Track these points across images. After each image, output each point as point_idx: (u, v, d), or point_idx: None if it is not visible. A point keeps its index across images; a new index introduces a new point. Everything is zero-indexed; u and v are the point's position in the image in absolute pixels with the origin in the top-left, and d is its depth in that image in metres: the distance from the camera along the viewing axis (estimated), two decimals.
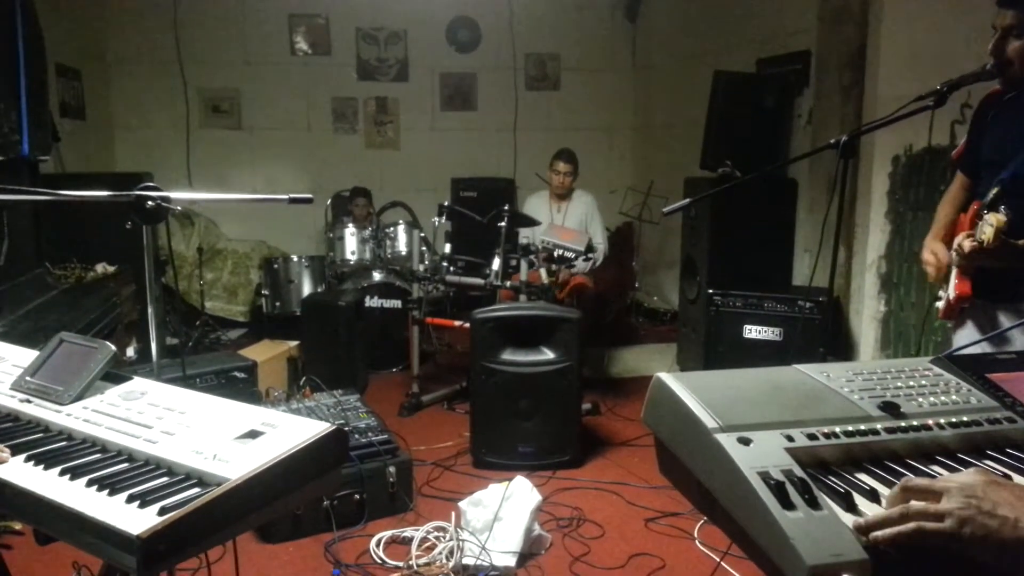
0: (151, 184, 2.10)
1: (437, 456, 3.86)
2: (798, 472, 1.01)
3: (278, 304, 5.85)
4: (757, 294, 4.44)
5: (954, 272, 2.28)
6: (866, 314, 4.42)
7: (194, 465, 1.28)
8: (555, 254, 4.57)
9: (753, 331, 4.44)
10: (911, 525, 0.90)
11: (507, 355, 3.75)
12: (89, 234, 4.46)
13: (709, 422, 1.10)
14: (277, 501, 1.27)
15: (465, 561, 2.80)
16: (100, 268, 4.39)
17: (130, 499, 1.20)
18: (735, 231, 4.69)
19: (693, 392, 1.16)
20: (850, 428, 1.14)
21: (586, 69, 7.60)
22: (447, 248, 4.98)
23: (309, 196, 2.35)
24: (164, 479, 1.27)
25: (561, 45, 7.52)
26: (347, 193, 6.42)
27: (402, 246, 5.57)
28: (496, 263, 4.49)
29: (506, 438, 3.72)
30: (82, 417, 1.50)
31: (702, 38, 6.41)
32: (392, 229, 5.59)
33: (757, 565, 1.01)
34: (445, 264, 4.75)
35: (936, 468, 1.12)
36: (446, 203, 4.86)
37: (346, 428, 2.80)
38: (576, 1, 7.44)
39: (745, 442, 1.06)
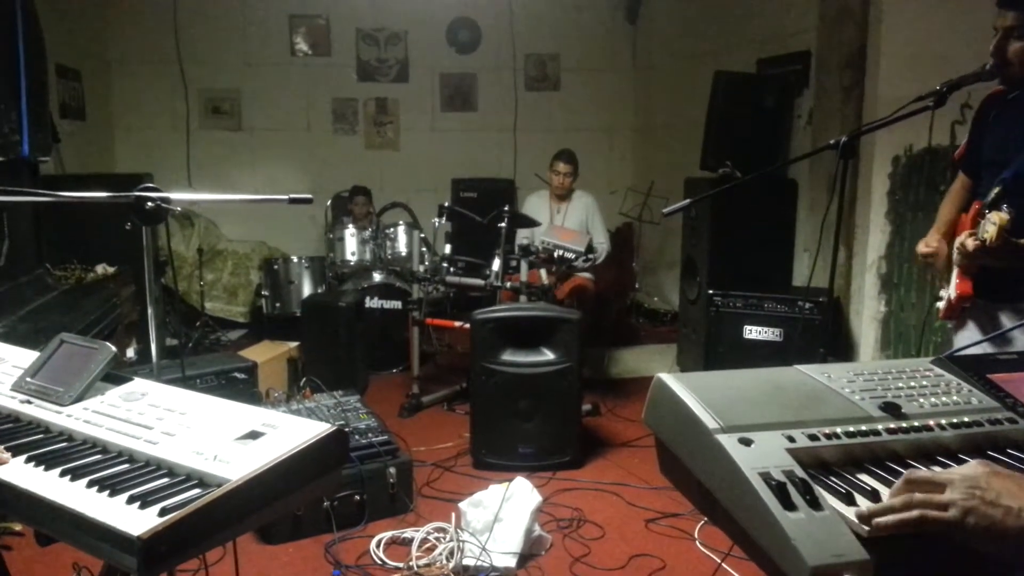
0: (151, 185, 2.10)
1: (437, 457, 3.86)
2: (799, 473, 1.01)
3: (278, 305, 5.85)
4: (757, 295, 4.44)
5: (955, 272, 2.29)
6: (866, 315, 4.42)
7: (195, 466, 1.28)
8: (555, 255, 4.58)
9: (753, 332, 4.44)
10: (915, 513, 0.91)
11: (507, 356, 3.75)
12: (89, 235, 4.46)
13: (710, 423, 1.10)
14: (278, 502, 1.27)
15: (465, 562, 2.80)
16: (100, 269, 4.39)
17: (131, 500, 1.20)
18: (735, 232, 4.69)
19: (694, 393, 1.16)
20: (851, 429, 1.14)
21: (586, 69, 7.60)
22: (447, 249, 4.98)
23: (309, 196, 2.35)
24: (165, 480, 1.27)
25: (561, 45, 7.52)
26: (347, 194, 6.42)
27: (402, 247, 5.57)
28: (496, 264, 4.49)
29: (506, 439, 3.72)
30: (83, 418, 1.50)
31: (702, 38, 6.41)
32: (392, 230, 5.59)
33: (758, 566, 1.01)
34: (445, 265, 4.75)
35: (937, 469, 1.12)
36: (446, 204, 4.86)
37: (346, 429, 2.80)
38: (576, 2, 7.44)
39: (746, 443, 1.06)
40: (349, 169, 7.02)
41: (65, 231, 4.50)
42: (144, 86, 6.82)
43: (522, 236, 5.10)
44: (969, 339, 2.30)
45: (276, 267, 5.91)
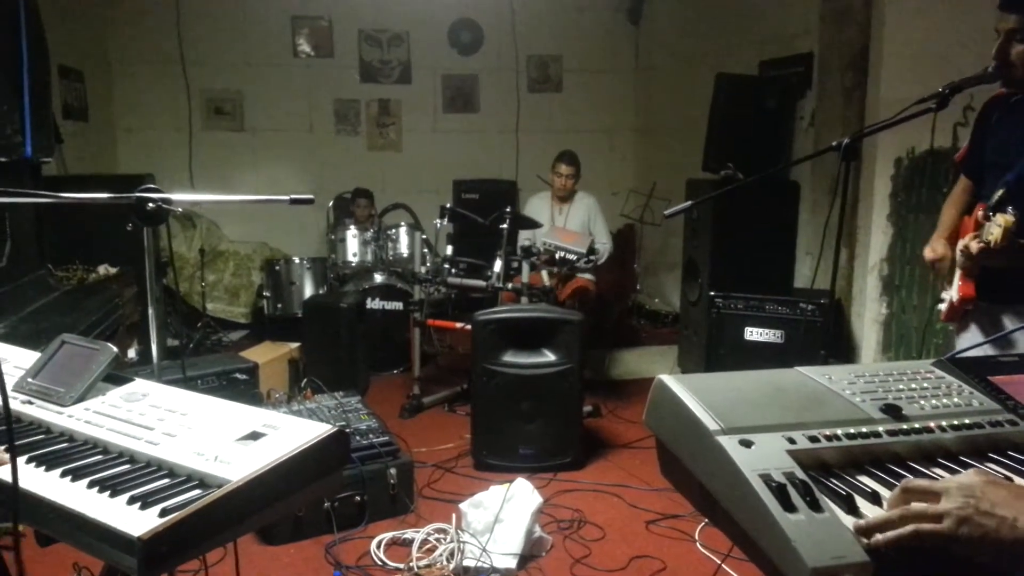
0: (152, 186, 2.10)
1: (438, 458, 3.86)
2: (800, 474, 1.01)
3: (279, 306, 5.86)
4: (759, 296, 4.43)
5: (958, 274, 2.29)
6: (868, 316, 4.41)
7: (195, 467, 1.28)
8: (557, 256, 4.58)
9: (754, 333, 4.44)
10: (909, 528, 0.91)
11: (508, 357, 3.74)
12: (91, 236, 4.46)
13: (711, 424, 1.10)
14: (278, 503, 1.27)
15: (466, 563, 2.80)
16: (102, 270, 4.39)
17: (131, 501, 1.20)
18: (737, 233, 4.69)
19: (695, 394, 1.16)
20: (852, 430, 1.14)
21: (588, 71, 7.60)
22: (449, 250, 4.98)
23: (310, 197, 2.35)
24: (165, 481, 1.27)
25: (563, 47, 7.53)
26: (349, 195, 6.43)
27: (404, 248, 5.57)
28: (498, 265, 4.49)
29: (507, 440, 3.72)
30: (84, 419, 1.50)
31: (704, 40, 6.41)
32: (394, 231, 5.60)
33: (758, 567, 1.01)
34: (447, 266, 4.75)
35: (938, 470, 1.12)
36: (448, 205, 4.86)
37: (347, 430, 2.80)
38: (578, 3, 7.45)
39: (747, 444, 1.06)
40: (351, 170, 7.02)
41: (67, 232, 4.50)
42: (146, 87, 6.83)
43: (524, 237, 5.10)
44: (971, 341, 2.30)
45: (278, 268, 5.91)
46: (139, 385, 1.62)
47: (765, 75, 5.48)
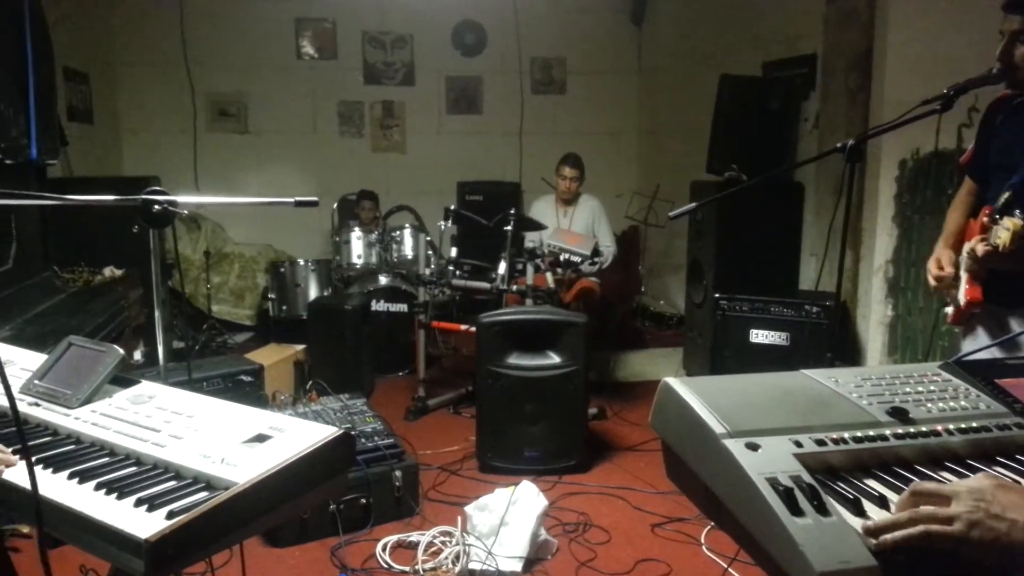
0: (157, 188, 2.11)
1: (443, 460, 3.85)
2: (807, 478, 1.01)
3: (284, 308, 5.86)
4: (764, 298, 4.43)
5: (964, 277, 2.27)
6: (873, 319, 4.40)
7: (202, 469, 1.28)
8: (561, 258, 4.57)
9: (760, 336, 4.43)
10: (919, 528, 0.91)
11: (513, 359, 3.74)
12: (97, 238, 4.48)
13: (717, 427, 1.09)
14: (284, 505, 1.27)
15: (471, 566, 2.80)
16: (108, 272, 4.40)
17: (138, 503, 1.20)
18: (741, 235, 4.68)
19: (700, 397, 1.16)
20: (859, 434, 1.13)
21: (592, 72, 7.60)
22: (453, 252, 4.98)
23: (315, 199, 2.36)
24: (172, 483, 1.28)
25: (567, 49, 7.52)
26: (353, 197, 6.43)
27: (408, 250, 5.57)
28: (502, 267, 4.49)
29: (512, 442, 3.71)
30: (90, 421, 1.50)
31: (708, 41, 6.41)
32: (398, 233, 5.59)
33: (765, 571, 1.01)
34: (451, 268, 4.75)
35: (945, 474, 1.12)
36: (452, 207, 4.86)
37: (352, 432, 2.80)
38: (581, 4, 7.45)
39: (753, 447, 1.06)
40: (355, 172, 7.03)
41: (72, 234, 4.52)
42: (151, 89, 6.84)
43: (529, 239, 5.10)
44: (977, 344, 2.29)
45: (282, 270, 5.92)
46: (145, 387, 1.63)
47: (769, 76, 5.47)
